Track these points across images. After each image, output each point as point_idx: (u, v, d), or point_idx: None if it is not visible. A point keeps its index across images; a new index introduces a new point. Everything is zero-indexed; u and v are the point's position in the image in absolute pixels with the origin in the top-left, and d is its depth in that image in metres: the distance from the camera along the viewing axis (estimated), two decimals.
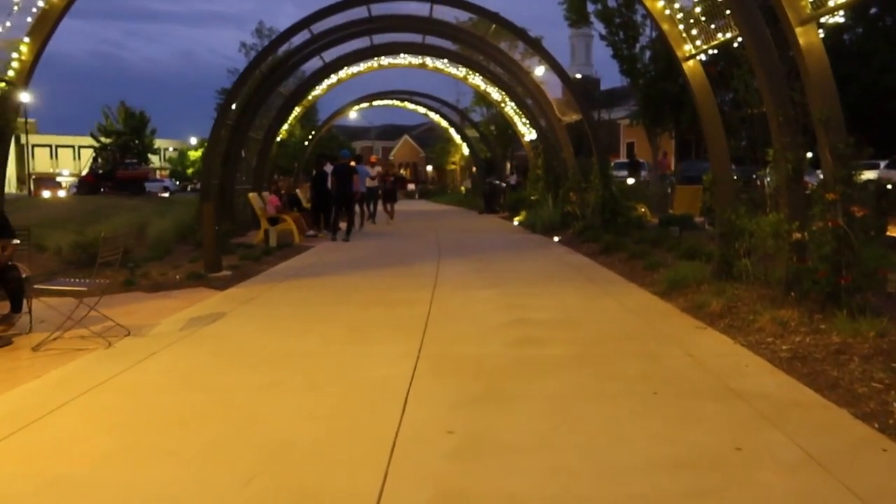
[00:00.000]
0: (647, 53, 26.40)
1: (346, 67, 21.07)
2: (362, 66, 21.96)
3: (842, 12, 5.86)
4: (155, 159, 64.47)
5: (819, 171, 8.81)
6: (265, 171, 20.13)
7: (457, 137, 37.08)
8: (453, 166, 50.05)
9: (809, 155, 6.77)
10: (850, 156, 5.97)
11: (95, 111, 56.53)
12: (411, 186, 51.64)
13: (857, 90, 23.45)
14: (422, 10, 17.13)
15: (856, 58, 25.69)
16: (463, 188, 40.35)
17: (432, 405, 4.28)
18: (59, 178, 55.26)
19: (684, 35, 8.35)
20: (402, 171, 65.54)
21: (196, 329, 6.48)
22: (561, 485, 3.19)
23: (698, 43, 8.14)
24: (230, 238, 14.11)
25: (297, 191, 19.12)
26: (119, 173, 39.42)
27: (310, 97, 23.03)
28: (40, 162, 66.58)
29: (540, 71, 18.97)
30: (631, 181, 22.38)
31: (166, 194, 42.03)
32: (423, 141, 67.26)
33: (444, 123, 36.08)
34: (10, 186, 51.47)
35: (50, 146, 69.78)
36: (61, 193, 43.62)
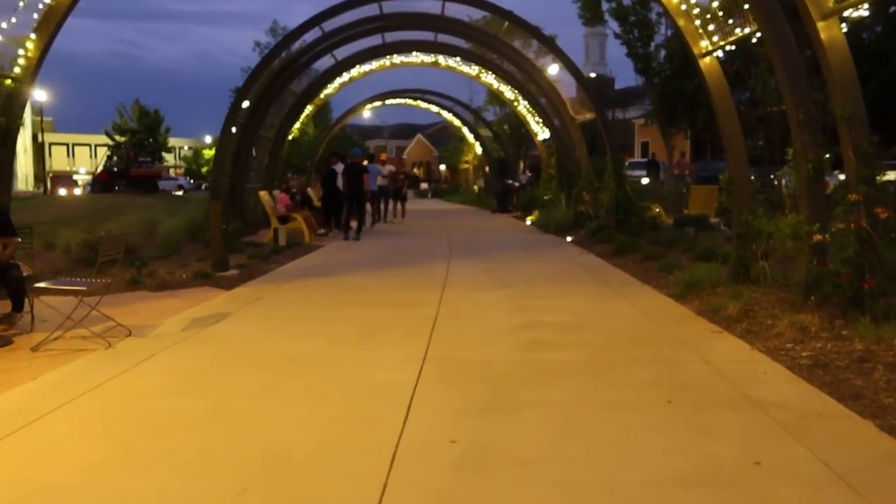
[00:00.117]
0: (662, 52, 26.14)
1: (357, 66, 20.92)
2: (374, 65, 21.81)
3: (865, 6, 5.64)
4: (169, 158, 64.82)
5: (836, 172, 8.60)
6: (277, 170, 20.04)
7: (470, 137, 36.88)
8: (466, 165, 49.88)
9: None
10: (873, 155, 5.76)
11: (112, 110, 57.04)
12: (424, 185, 51.52)
13: (876, 89, 23.05)
14: (434, 7, 16.95)
15: (874, 56, 25.26)
16: (476, 187, 40.19)
17: (436, 412, 4.12)
18: (75, 177, 55.63)
19: (700, 31, 8.14)
20: (415, 170, 65.49)
21: (198, 330, 6.36)
22: (569, 501, 3.02)
23: (715, 39, 7.92)
24: (241, 237, 14.05)
25: (309, 189, 19.02)
26: (132, 171, 39.57)
27: (322, 95, 22.91)
28: (57, 160, 67.25)
29: (554, 69, 18.75)
30: (646, 181, 22.12)
31: (180, 193, 42.12)
32: (437, 140, 67.09)
33: (457, 122, 35.90)
34: (28, 184, 51.98)
35: (67, 145, 70.44)
36: (77, 191, 43.88)
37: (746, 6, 6.97)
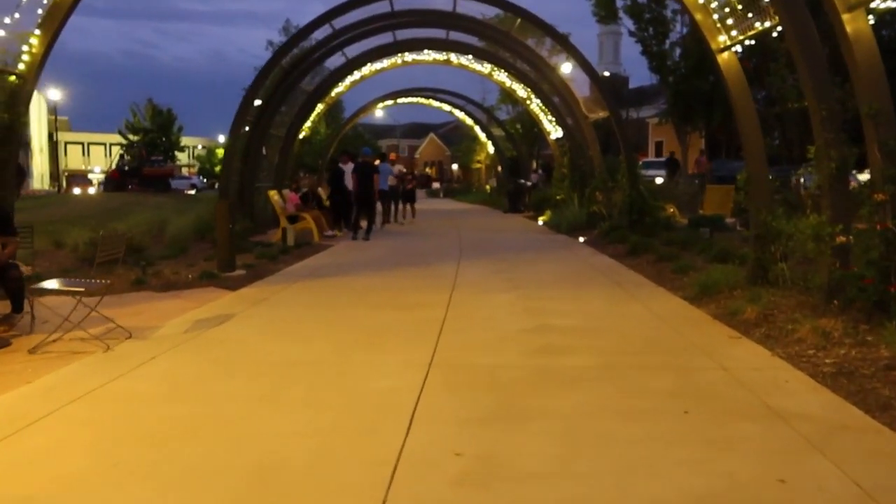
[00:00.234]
0: (677, 50, 25.81)
1: (368, 64, 20.76)
2: (385, 63, 21.64)
3: None
4: (182, 157, 65.04)
5: (855, 172, 8.35)
6: (287, 169, 19.92)
7: (482, 136, 36.65)
8: (479, 165, 49.60)
9: None
10: None
11: (127, 109, 57.27)
12: (436, 185, 51.35)
13: None
14: (446, 4, 16.78)
15: (895, 54, 24.81)
16: (488, 187, 39.93)
17: (441, 422, 3.93)
18: (90, 175, 55.94)
19: (718, 25, 7.90)
20: (427, 170, 65.33)
21: (200, 332, 6.21)
22: None
23: (734, 33, 7.69)
24: (249, 236, 13.92)
25: (319, 189, 18.87)
26: (145, 170, 39.70)
27: (333, 94, 22.77)
28: (73, 159, 67.72)
29: (567, 68, 18.52)
30: (659, 181, 21.81)
31: (192, 192, 42.17)
32: (449, 139, 66.88)
33: (470, 121, 35.69)
34: (43, 183, 52.34)
35: (82, 143, 70.92)
36: (91, 190, 44.11)
37: None
